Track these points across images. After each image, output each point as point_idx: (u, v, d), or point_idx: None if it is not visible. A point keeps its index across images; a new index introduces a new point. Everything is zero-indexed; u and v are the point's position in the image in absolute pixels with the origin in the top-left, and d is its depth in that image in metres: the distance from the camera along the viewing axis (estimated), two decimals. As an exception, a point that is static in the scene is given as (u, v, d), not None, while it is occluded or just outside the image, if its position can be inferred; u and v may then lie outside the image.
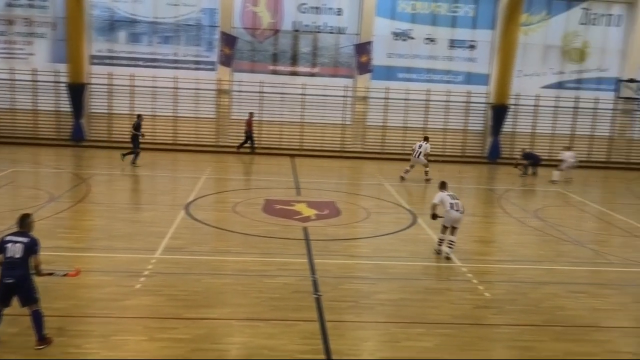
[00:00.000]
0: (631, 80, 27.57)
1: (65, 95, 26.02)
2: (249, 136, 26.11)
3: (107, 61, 26.56)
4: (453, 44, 27.57)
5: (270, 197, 17.55)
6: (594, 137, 28.04)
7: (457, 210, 12.27)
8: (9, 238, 7.80)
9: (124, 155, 21.67)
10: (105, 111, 26.67)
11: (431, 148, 21.79)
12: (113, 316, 8.80)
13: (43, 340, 7.77)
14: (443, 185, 12.94)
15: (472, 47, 27.63)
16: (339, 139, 27.33)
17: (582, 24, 27.85)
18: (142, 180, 20.35)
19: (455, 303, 10.18)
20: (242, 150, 26.04)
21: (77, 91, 25.77)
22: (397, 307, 9.84)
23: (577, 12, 27.75)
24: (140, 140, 21.76)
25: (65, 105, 26.19)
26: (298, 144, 27.22)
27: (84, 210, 15.43)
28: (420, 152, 21.19)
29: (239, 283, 10.50)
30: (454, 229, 12.41)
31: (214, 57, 26.81)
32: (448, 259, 12.35)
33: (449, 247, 12.48)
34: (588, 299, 10.69)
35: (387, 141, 27.53)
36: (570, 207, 16.58)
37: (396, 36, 27.33)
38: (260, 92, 26.83)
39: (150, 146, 24.48)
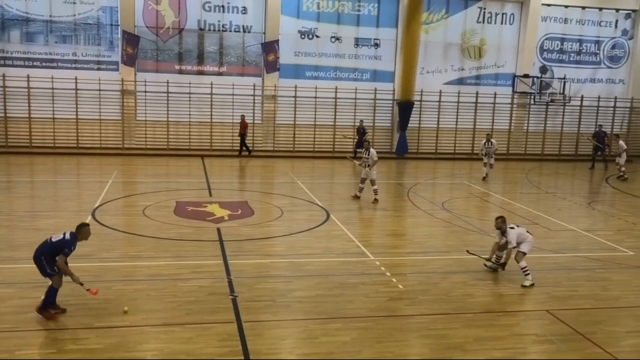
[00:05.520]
0: (525, 76, 29.09)
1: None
2: (242, 138, 26.16)
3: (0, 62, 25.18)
4: (358, 42, 28.05)
5: (181, 199, 17.21)
6: (494, 130, 29.33)
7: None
8: None
9: None
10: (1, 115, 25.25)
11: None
12: (18, 330, 8.35)
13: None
14: (505, 221, 11.53)
15: (376, 45, 28.22)
16: (250, 138, 27.18)
17: (479, 22, 29.09)
18: (44, 186, 19.40)
19: (370, 296, 10.37)
20: (243, 153, 26.29)
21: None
22: (313, 304, 9.90)
23: (474, 10, 28.95)
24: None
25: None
26: (208, 144, 26.82)
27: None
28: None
29: (152, 288, 10.23)
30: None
31: (116, 57, 25.95)
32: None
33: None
34: (494, 286, 11.19)
35: (297, 139, 27.64)
36: (474, 198, 17.27)
37: (302, 35, 27.49)
38: (166, 92, 26.21)
39: (50, 150, 23.35)
